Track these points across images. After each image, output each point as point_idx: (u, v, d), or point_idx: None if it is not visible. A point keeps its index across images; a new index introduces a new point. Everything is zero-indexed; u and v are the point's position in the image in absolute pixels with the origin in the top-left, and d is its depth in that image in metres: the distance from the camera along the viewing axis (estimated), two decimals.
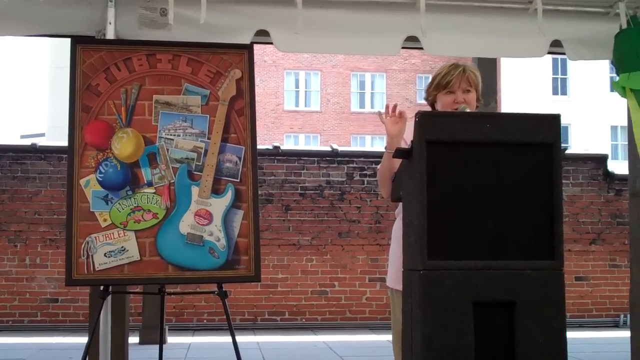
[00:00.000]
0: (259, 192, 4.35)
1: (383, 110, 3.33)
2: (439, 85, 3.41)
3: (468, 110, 3.30)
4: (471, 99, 3.38)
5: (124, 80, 4.10)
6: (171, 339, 8.64)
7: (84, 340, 4.30)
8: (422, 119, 2.83)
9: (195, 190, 4.07)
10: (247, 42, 4.34)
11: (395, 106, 3.31)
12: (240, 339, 4.30)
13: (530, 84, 30.70)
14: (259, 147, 4.63)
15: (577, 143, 29.74)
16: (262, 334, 9.56)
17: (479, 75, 3.45)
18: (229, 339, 4.14)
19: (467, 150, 2.82)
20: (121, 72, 4.10)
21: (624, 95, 4.47)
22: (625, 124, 5.12)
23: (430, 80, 3.53)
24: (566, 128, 30.64)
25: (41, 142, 10.64)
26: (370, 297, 10.28)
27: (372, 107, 33.90)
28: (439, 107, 3.43)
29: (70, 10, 4.26)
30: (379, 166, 3.47)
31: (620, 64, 4.47)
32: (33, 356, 7.70)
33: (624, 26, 4.44)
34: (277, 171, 10.30)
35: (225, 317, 4.14)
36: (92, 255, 3.94)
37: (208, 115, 4.14)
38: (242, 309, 9.95)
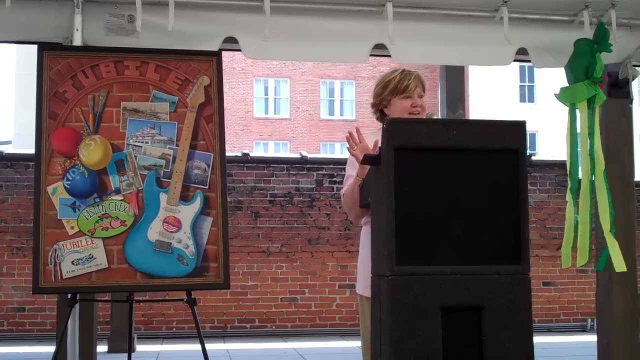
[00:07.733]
0: (228, 199, 4.34)
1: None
2: (395, 90, 3.43)
3: (435, 117, 3.35)
4: (425, 104, 3.46)
5: (91, 87, 4.08)
6: (140, 347, 8.57)
7: (51, 349, 4.26)
8: (389, 125, 2.85)
9: (163, 197, 4.06)
10: (216, 49, 4.34)
11: (357, 130, 3.32)
12: (209, 346, 4.28)
13: (497, 91, 30.93)
14: (228, 154, 4.63)
15: (545, 150, 29.99)
16: (232, 341, 9.52)
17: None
18: (198, 347, 4.13)
19: (435, 156, 2.84)
20: (89, 78, 4.08)
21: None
22: None
23: (380, 86, 3.52)
24: (533, 135, 30.92)
25: (7, 149, 10.53)
26: (340, 304, 10.28)
27: (341, 114, 33.95)
28: (392, 111, 3.43)
29: (37, 17, 4.22)
30: (344, 189, 3.42)
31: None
32: None
33: (589, 34, 4.49)
34: (247, 178, 10.28)
35: (194, 324, 4.13)
36: (59, 263, 3.91)
37: (176, 122, 4.13)
38: (211, 316, 9.91)
